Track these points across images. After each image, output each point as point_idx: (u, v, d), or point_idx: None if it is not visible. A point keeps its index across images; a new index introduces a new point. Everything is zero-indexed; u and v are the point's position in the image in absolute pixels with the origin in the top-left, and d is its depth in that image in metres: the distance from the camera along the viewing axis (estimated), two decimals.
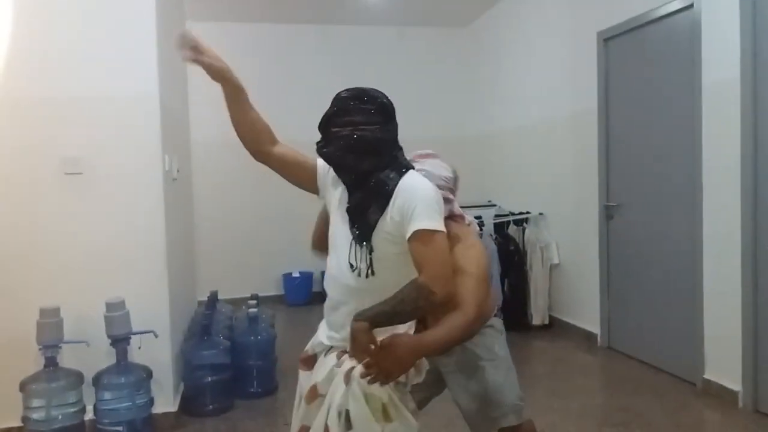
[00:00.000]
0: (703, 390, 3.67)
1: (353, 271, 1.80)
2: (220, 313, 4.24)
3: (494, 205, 5.99)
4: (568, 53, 5.04)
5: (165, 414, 3.34)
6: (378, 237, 1.78)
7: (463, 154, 6.57)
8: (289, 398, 3.80)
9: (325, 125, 1.86)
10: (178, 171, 3.91)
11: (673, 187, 3.94)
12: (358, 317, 1.71)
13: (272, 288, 6.45)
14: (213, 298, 4.31)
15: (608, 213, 4.57)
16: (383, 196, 1.77)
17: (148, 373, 3.20)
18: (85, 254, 3.24)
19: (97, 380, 3.11)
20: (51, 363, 3.05)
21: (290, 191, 6.96)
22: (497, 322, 2.27)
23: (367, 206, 1.79)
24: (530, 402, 2.72)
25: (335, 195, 1.91)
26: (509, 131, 6.04)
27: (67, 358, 3.17)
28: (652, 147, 4.13)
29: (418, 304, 1.70)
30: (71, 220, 3.23)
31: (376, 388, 1.70)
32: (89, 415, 3.16)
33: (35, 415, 3.00)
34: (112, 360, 3.15)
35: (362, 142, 1.77)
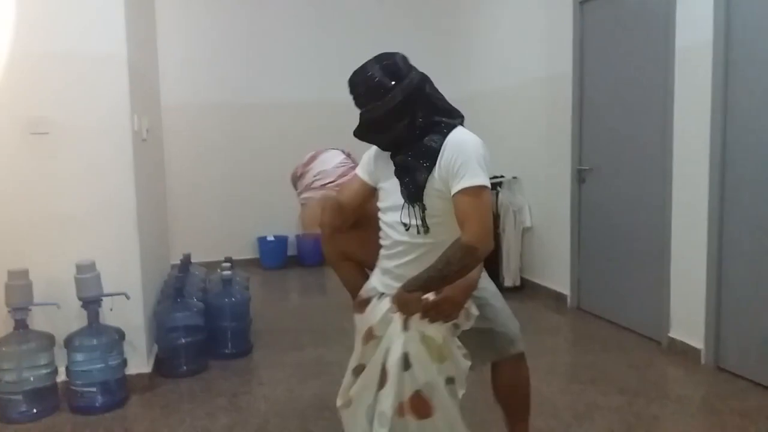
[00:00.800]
0: (668, 348, 3.78)
1: (407, 229, 1.91)
2: (194, 276, 4.24)
3: None
4: (543, 17, 5.01)
5: (139, 375, 3.35)
6: (429, 195, 1.87)
7: None
8: (263, 359, 3.87)
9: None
10: (147, 131, 3.84)
11: (645, 152, 3.98)
12: (408, 287, 1.82)
13: (247, 252, 6.43)
14: (186, 261, 4.30)
15: (580, 177, 4.62)
16: (429, 157, 1.85)
17: (121, 335, 3.20)
18: (53, 215, 3.19)
19: (68, 342, 3.10)
20: (21, 325, 3.03)
21: (265, 155, 6.97)
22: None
23: (414, 167, 1.88)
24: None
25: (381, 165, 2.02)
26: (484, 95, 6.03)
27: (37, 321, 3.15)
28: (625, 111, 4.16)
29: (465, 263, 1.78)
30: (39, 180, 3.16)
31: (432, 331, 1.85)
32: (62, 377, 3.15)
33: (6, 377, 3.00)
34: (84, 322, 3.13)
35: (371, 123, 1.91)
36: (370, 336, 1.94)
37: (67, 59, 3.16)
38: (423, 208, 1.88)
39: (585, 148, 4.59)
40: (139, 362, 3.37)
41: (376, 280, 2.07)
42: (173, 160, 5.87)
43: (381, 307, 1.96)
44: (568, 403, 3.11)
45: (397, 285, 1.92)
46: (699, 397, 3.19)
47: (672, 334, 3.77)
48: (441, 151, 1.84)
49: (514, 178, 5.45)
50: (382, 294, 2.00)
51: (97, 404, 3.08)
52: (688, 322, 3.66)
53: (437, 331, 1.86)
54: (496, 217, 5.32)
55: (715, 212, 3.42)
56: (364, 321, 2.03)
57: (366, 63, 1.93)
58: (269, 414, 3.05)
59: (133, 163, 3.29)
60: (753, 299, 3.26)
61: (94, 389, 3.08)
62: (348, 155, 2.33)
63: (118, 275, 3.21)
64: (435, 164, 1.85)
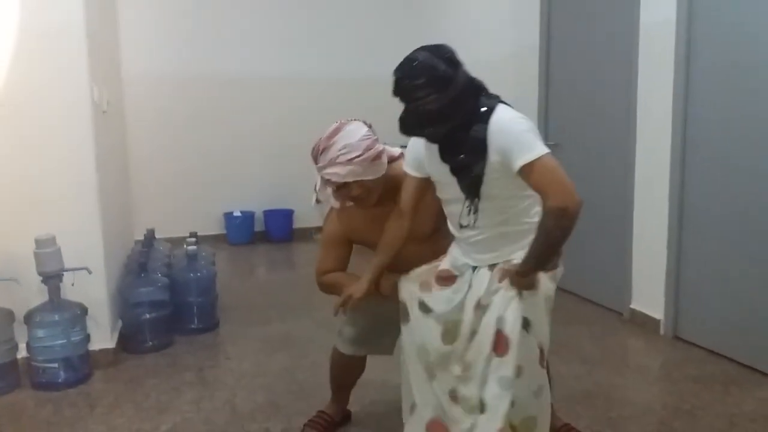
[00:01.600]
0: (629, 319, 3.88)
1: (474, 224, 1.95)
2: (158, 251, 4.18)
3: None
4: None
5: (103, 351, 3.31)
6: (487, 184, 1.89)
7: None
8: (230, 334, 3.85)
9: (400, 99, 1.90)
10: (108, 103, 3.75)
11: (609, 127, 4.03)
12: (523, 272, 1.88)
13: (213, 227, 6.35)
14: (150, 236, 4.24)
15: None
16: (479, 149, 1.85)
17: (83, 310, 3.15)
18: (11, 189, 3.10)
19: (29, 318, 3.04)
20: None
21: (231, 129, 6.86)
22: None
23: (467, 164, 1.88)
24: None
25: (430, 158, 2.00)
26: None
27: None
28: (590, 86, 4.20)
29: (562, 225, 1.79)
30: None
31: (545, 287, 1.98)
32: (22, 353, 3.10)
33: None
34: (45, 297, 3.07)
35: (426, 115, 1.84)
36: (478, 306, 1.97)
37: (23, 29, 3.05)
38: (478, 201, 1.93)
39: (551, 123, 4.62)
40: (102, 338, 3.32)
41: (464, 257, 2.07)
42: (136, 133, 5.74)
43: (483, 279, 1.98)
44: None
45: (488, 255, 1.99)
46: (657, 366, 3.29)
47: (633, 306, 3.87)
48: (487, 139, 1.85)
49: None
50: (476, 267, 2.03)
51: (59, 380, 3.04)
52: (648, 294, 3.75)
53: (549, 286, 2.03)
54: None
55: (677, 187, 3.49)
56: (442, 294, 2.07)
57: (421, 53, 1.85)
58: (236, 388, 3.05)
59: (93, 135, 3.22)
60: (711, 272, 3.36)
61: (56, 365, 3.04)
62: (369, 126, 2.26)
63: (79, 250, 3.15)
64: (486, 155, 1.86)
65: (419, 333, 2.10)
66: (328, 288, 2.40)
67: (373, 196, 2.20)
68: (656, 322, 3.66)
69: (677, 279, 3.55)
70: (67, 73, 3.13)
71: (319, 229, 7.13)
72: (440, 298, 2.08)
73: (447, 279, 2.09)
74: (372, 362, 2.58)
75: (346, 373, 2.58)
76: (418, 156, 2.07)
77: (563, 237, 1.82)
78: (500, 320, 1.91)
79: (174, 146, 6.20)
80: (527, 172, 1.80)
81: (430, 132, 1.90)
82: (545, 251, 1.86)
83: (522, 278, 1.90)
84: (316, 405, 2.67)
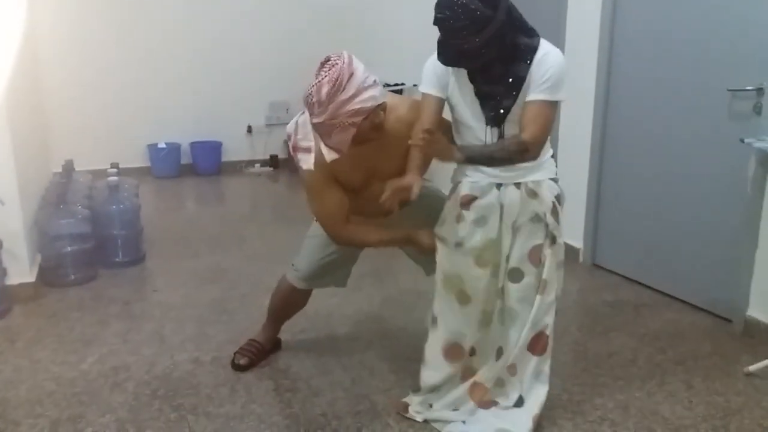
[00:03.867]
0: None
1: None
2: (78, 183, 4.01)
3: None
4: None
5: (22, 285, 3.19)
6: (513, 113, 1.93)
7: (340, 22, 6.37)
8: (157, 267, 3.79)
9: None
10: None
11: None
12: (461, 151, 1.94)
13: (137, 160, 6.11)
14: (69, 167, 4.05)
15: None
16: (516, 85, 1.90)
17: None
18: None
19: None
20: None
21: (155, 55, 6.48)
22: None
23: (500, 95, 1.92)
24: (398, 262, 2.87)
25: (454, 80, 2.00)
26: None
27: None
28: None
29: (512, 157, 1.93)
30: None
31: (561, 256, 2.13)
32: None
33: None
34: None
35: (465, 52, 1.85)
36: (513, 227, 2.03)
37: None
38: (502, 132, 1.96)
39: None
40: (20, 271, 3.20)
41: (482, 179, 2.03)
42: (52, 57, 5.38)
43: (513, 198, 2.02)
44: None
45: (513, 173, 2.00)
46: (575, 291, 3.46)
47: None
48: (528, 77, 1.89)
49: (415, 85, 5.44)
50: (500, 185, 2.03)
51: None
52: (569, 224, 3.86)
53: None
54: None
55: (599, 127, 3.60)
56: (469, 215, 2.06)
57: None
58: (164, 319, 3.02)
59: None
60: (627, 205, 3.52)
61: None
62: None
63: None
64: (521, 90, 1.91)
65: (454, 262, 2.10)
66: (353, 240, 2.25)
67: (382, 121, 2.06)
68: (576, 250, 3.82)
69: (596, 211, 3.71)
70: None
71: (251, 163, 7.02)
72: (468, 225, 2.06)
73: (471, 202, 2.06)
74: None
75: (290, 305, 2.59)
76: (441, 75, 2.02)
77: (501, 162, 1.97)
78: (539, 323, 2.07)
79: (94, 74, 5.84)
80: (539, 104, 1.91)
81: (465, 64, 1.93)
82: (485, 157, 1.97)
83: (445, 145, 1.94)
84: (246, 334, 2.69)
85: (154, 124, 6.13)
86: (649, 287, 3.40)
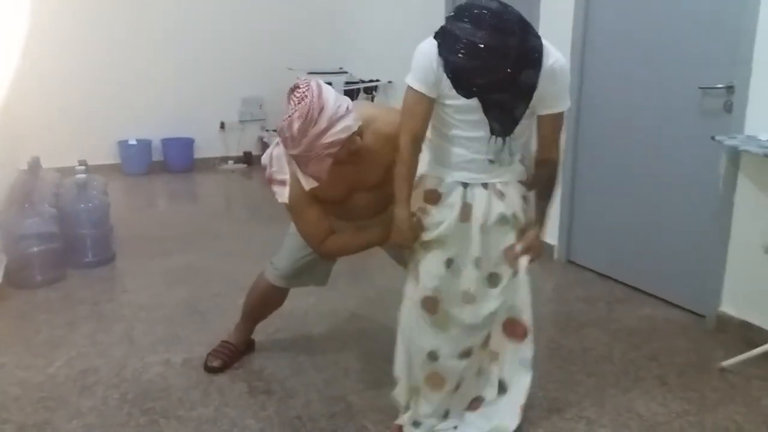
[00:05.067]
0: None
1: (491, 162, 1.91)
2: (45, 181, 3.90)
3: (345, 72, 5.88)
4: None
5: None
6: (520, 124, 1.89)
7: (314, 18, 6.32)
8: (127, 267, 3.70)
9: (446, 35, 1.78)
10: None
11: None
12: (539, 230, 2.01)
13: (106, 156, 5.95)
14: (35, 165, 3.94)
15: None
16: (527, 95, 1.84)
17: None
18: None
19: None
20: None
21: (125, 49, 6.31)
22: None
23: (510, 105, 1.85)
24: (370, 258, 2.85)
25: (450, 83, 1.84)
26: None
27: None
28: None
29: (556, 178, 2.05)
30: None
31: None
32: None
33: None
34: None
35: (498, 83, 1.79)
36: (483, 229, 1.94)
37: None
38: (510, 141, 1.90)
39: None
40: None
41: (455, 175, 1.94)
42: (18, 51, 5.22)
43: (481, 199, 1.93)
44: None
45: (484, 175, 1.93)
46: (550, 288, 3.48)
47: None
48: (538, 84, 1.82)
49: (390, 82, 5.41)
50: (467, 185, 1.94)
51: None
52: None
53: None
54: None
55: (572, 126, 3.61)
56: (437, 211, 1.97)
57: (491, 35, 1.67)
58: (134, 321, 2.95)
59: None
60: (601, 203, 3.55)
61: None
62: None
63: None
64: (532, 99, 1.85)
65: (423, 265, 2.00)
66: (336, 252, 2.22)
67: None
68: (551, 247, 3.84)
69: (571, 208, 3.73)
70: None
71: (224, 160, 6.91)
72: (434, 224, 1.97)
73: (435, 198, 1.98)
74: None
75: (267, 304, 2.55)
76: (438, 71, 1.83)
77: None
78: (513, 309, 2.01)
79: (61, 69, 5.68)
80: (557, 117, 1.91)
81: (479, 84, 1.81)
82: (551, 198, 2.04)
83: (539, 241, 2.02)
84: (219, 335, 2.64)
85: (124, 120, 5.99)
86: (622, 283, 3.42)
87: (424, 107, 1.88)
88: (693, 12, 2.93)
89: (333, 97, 1.92)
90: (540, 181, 2.01)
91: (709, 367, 2.58)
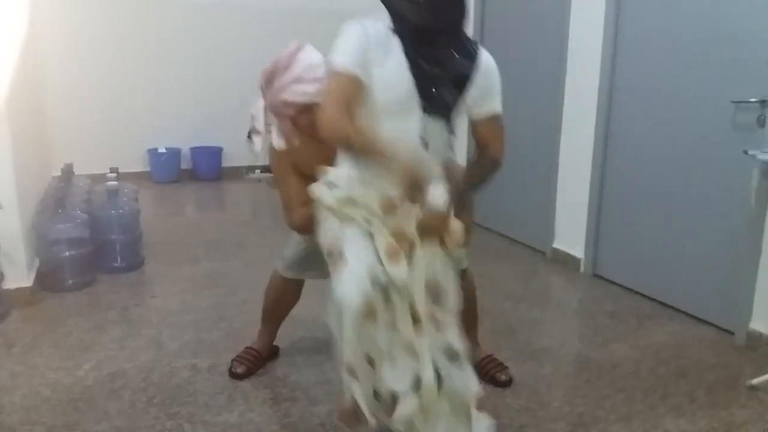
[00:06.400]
0: (552, 258, 4.02)
1: (427, 147, 1.77)
2: (77, 187, 3.99)
3: None
4: None
5: (19, 289, 3.16)
6: (456, 114, 1.84)
7: (340, 30, 6.36)
8: (156, 272, 3.76)
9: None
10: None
11: (540, 75, 4.07)
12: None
13: (137, 164, 6.08)
14: (68, 171, 4.03)
15: None
16: (461, 81, 1.79)
17: None
18: None
19: None
20: None
21: (157, 59, 6.47)
22: None
23: (443, 82, 1.77)
24: None
25: (381, 56, 1.72)
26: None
27: None
28: (522, 28, 4.20)
29: (492, 176, 1.91)
30: None
31: None
32: None
33: None
34: None
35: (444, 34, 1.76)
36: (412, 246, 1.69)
37: None
38: (452, 126, 1.80)
39: None
40: (18, 276, 3.17)
41: (382, 187, 1.76)
42: (52, 60, 5.38)
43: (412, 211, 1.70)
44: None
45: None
46: (576, 301, 3.44)
47: (556, 245, 4.01)
48: (472, 76, 1.79)
49: None
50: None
51: None
52: (570, 234, 3.89)
53: None
54: None
55: (601, 133, 3.59)
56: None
57: None
58: (162, 325, 2.99)
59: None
60: (629, 215, 3.50)
61: None
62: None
63: None
64: (466, 90, 1.79)
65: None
66: (302, 225, 2.18)
67: None
68: (577, 260, 3.81)
69: (598, 220, 3.69)
70: None
71: (251, 169, 6.99)
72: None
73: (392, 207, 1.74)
74: (303, 298, 2.58)
75: (281, 299, 2.55)
76: (363, 50, 1.72)
77: (480, 188, 1.92)
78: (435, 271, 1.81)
79: (94, 78, 5.83)
80: (497, 118, 1.85)
81: (443, 41, 1.76)
82: (467, 195, 1.92)
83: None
84: (244, 342, 2.66)
85: (154, 129, 6.11)
86: (650, 298, 3.38)
87: (356, 87, 1.71)
88: (726, 24, 2.90)
89: (309, 63, 1.95)
90: (476, 174, 1.91)
91: (738, 385, 2.53)
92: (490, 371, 2.49)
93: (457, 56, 1.79)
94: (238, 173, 6.41)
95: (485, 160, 1.90)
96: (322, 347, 2.80)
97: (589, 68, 3.60)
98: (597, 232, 3.71)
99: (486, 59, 1.85)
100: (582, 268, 3.79)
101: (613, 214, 3.61)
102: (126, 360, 2.65)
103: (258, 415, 2.27)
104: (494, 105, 1.87)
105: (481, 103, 1.85)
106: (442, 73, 1.77)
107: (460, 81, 1.80)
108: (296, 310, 2.61)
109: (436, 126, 1.80)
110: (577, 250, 3.81)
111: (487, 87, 1.84)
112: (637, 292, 3.46)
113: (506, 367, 2.53)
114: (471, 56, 1.82)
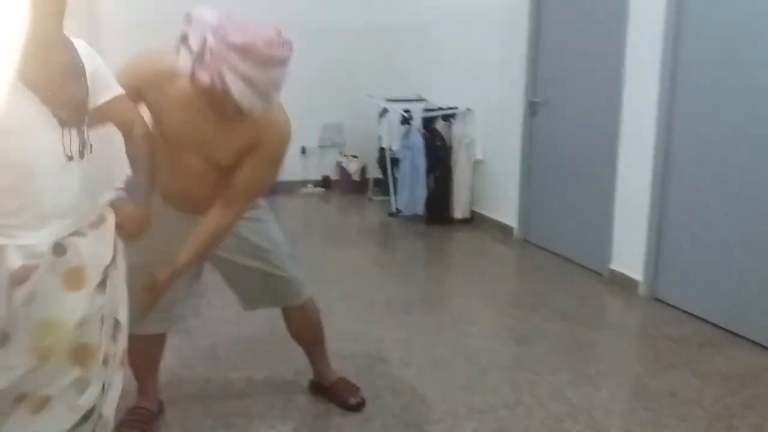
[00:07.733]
0: (609, 279, 3.92)
1: (73, 160, 1.53)
2: None
3: (423, 100, 5.94)
4: None
5: None
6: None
7: (393, 47, 6.43)
8: (214, 284, 3.77)
9: None
10: None
11: (596, 86, 4.00)
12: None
13: None
14: None
15: (532, 109, 4.63)
16: (80, 70, 1.59)
17: None
18: None
19: None
20: None
21: None
22: (264, 203, 2.43)
23: (71, 82, 1.56)
24: (448, 287, 2.84)
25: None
26: (437, 22, 5.90)
27: None
28: (579, 43, 4.15)
29: (152, 151, 1.83)
30: None
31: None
32: None
33: None
34: None
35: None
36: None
37: None
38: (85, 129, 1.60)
39: (539, 79, 4.58)
40: None
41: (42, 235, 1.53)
42: None
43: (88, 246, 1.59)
44: (511, 327, 3.22)
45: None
46: (635, 325, 3.34)
47: (613, 266, 3.91)
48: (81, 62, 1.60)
49: (468, 109, 5.42)
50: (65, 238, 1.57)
51: None
52: (628, 255, 3.79)
53: None
54: (449, 150, 5.32)
55: (661, 149, 3.49)
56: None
57: None
58: (218, 336, 3.05)
59: None
60: (691, 236, 3.38)
61: None
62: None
63: None
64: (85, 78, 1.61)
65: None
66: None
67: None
68: (635, 282, 3.70)
69: (658, 241, 3.58)
70: None
71: (303, 184, 7.05)
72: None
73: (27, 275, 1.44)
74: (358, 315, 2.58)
75: (149, 354, 2.31)
76: None
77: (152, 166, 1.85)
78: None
79: None
80: (119, 102, 1.71)
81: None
82: (149, 176, 1.83)
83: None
84: (298, 354, 2.68)
85: None
86: (713, 324, 3.25)
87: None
88: None
89: (275, 80, 1.97)
90: (139, 158, 1.81)
91: None
92: (341, 395, 2.44)
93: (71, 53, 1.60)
94: (291, 188, 6.50)
95: (138, 138, 1.80)
96: (375, 364, 2.82)
97: (648, 79, 3.52)
98: (657, 252, 3.60)
99: (81, 48, 1.62)
100: (640, 291, 3.68)
101: (675, 233, 3.50)
102: (183, 369, 2.70)
103: (311, 430, 2.28)
104: (111, 90, 1.71)
105: (95, 90, 1.65)
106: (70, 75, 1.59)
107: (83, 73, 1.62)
108: (341, 326, 2.61)
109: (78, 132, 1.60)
110: (636, 272, 3.71)
111: (94, 74, 1.65)
112: (699, 317, 3.33)
113: (358, 389, 2.47)
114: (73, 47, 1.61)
